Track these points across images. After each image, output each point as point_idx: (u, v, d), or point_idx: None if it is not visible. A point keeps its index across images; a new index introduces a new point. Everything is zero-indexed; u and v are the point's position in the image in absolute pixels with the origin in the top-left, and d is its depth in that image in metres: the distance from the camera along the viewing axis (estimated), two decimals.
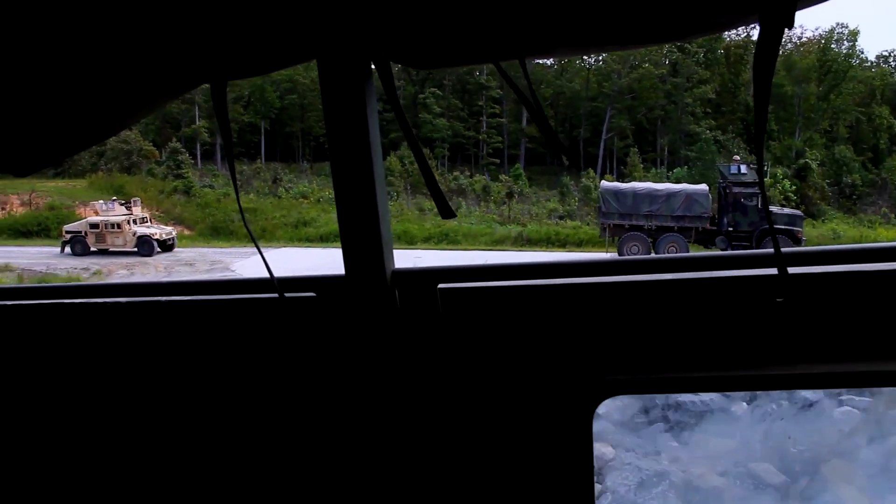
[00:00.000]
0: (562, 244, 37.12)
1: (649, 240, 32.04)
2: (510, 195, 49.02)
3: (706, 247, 31.95)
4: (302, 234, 39.41)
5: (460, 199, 49.73)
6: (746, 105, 61.25)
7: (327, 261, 29.62)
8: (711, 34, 1.46)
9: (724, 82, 61.58)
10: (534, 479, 1.95)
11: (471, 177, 55.50)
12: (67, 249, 36.18)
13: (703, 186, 34.06)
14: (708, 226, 32.23)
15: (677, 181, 49.42)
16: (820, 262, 1.72)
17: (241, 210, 2.11)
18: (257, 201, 45.08)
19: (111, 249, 36.16)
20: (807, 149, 55.53)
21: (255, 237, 2.16)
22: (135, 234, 36.47)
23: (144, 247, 36.11)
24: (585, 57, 66.79)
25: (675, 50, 61.72)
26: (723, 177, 33.44)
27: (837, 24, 65.53)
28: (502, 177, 56.59)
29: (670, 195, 32.70)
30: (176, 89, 1.77)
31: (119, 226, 36.54)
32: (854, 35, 63.52)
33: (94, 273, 30.32)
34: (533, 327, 1.89)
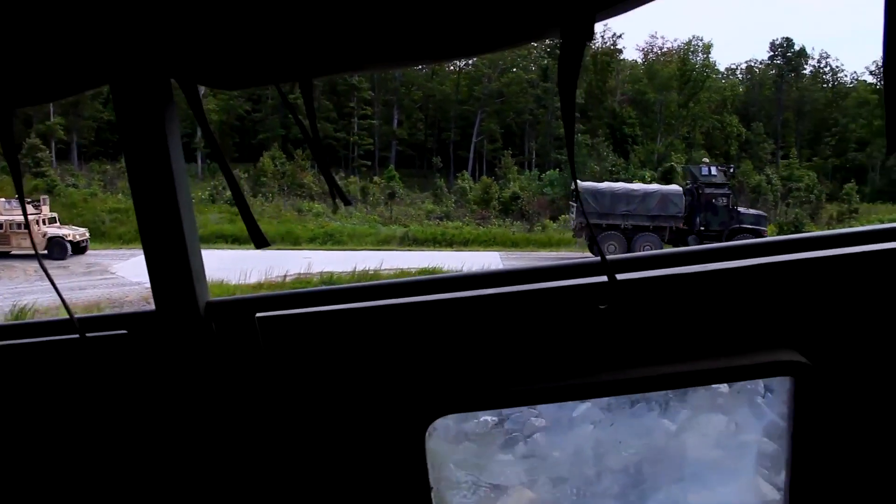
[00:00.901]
0: (448, 244, 37.06)
1: (625, 239, 32.37)
2: (392, 196, 48.67)
3: (678, 246, 32.54)
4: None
5: (337, 200, 48.76)
6: (612, 111, 63.68)
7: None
8: (516, 46, 1.40)
9: (590, 88, 63.45)
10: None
11: (344, 178, 54.61)
12: None
13: (677, 187, 34.85)
14: (681, 225, 32.89)
15: (551, 182, 50.64)
16: (646, 268, 1.78)
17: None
18: (125, 201, 42.11)
19: (14, 252, 32.09)
20: (671, 153, 58.11)
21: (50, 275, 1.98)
22: (45, 235, 32.55)
23: (56, 249, 32.29)
24: (456, 61, 67.85)
25: (545, 55, 63.29)
26: (694, 178, 34.27)
27: (693, 36, 69.34)
28: (376, 178, 56.26)
29: (646, 195, 33.07)
30: None
31: (26, 226, 32.93)
32: (708, 48, 67.38)
33: None
34: (358, 350, 1.87)
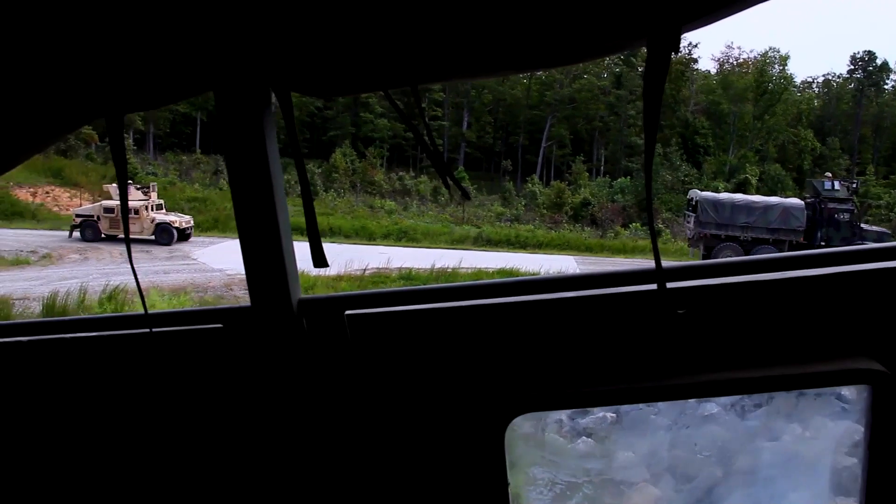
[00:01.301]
0: (521, 246, 37.09)
1: (743, 251, 31.83)
2: (466, 196, 48.64)
3: None
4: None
5: (407, 198, 49.45)
6: (685, 120, 62.93)
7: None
8: (602, 57, 1.45)
9: (664, 98, 62.78)
10: (447, 499, 2.01)
11: (415, 177, 55.15)
12: (76, 234, 33.13)
13: (799, 201, 34.10)
14: (801, 240, 32.23)
15: (622, 190, 50.38)
16: (727, 274, 1.83)
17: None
18: (202, 191, 43.34)
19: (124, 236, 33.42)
20: (746, 165, 57.22)
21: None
22: (153, 221, 33.71)
23: (164, 235, 33.38)
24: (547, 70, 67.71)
25: (620, 62, 62.99)
26: (816, 193, 33.46)
27: (770, 47, 68.09)
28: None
29: (767, 208, 32.61)
30: (70, 124, 1.71)
31: (137, 211, 33.30)
32: (784, 60, 66.08)
33: (44, 256, 28.33)
34: (441, 350, 1.93)
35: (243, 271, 1.95)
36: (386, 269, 27.10)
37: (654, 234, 1.51)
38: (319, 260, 1.74)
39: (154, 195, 34.77)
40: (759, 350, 1.78)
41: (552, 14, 1.29)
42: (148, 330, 2.09)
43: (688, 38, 68.43)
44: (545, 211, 46.66)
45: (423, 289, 2.02)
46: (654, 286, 1.85)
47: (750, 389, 1.78)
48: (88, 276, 23.17)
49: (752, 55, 67.94)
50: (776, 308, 1.77)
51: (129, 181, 37.03)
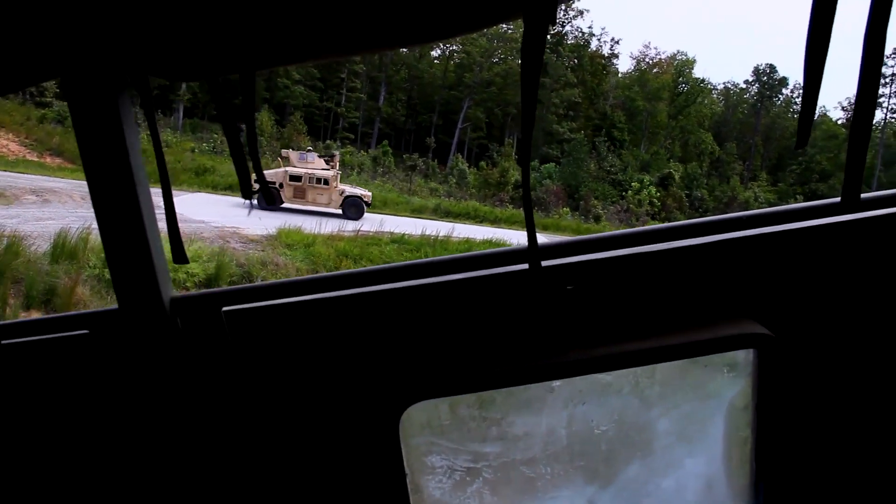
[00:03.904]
0: (480, 220, 37.11)
1: None
2: (413, 168, 48.26)
3: None
4: (208, 181, 35.77)
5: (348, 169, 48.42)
6: (604, 113, 64.72)
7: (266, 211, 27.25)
8: (477, 30, 1.40)
9: (586, 90, 64.38)
10: (344, 494, 1.97)
11: (340, 148, 53.93)
12: (253, 201, 28.84)
13: None
14: None
15: (549, 175, 51.22)
16: (612, 248, 1.82)
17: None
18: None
19: (309, 208, 30.09)
20: (654, 161, 59.56)
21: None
22: (342, 193, 31.02)
23: (352, 210, 30.68)
24: (444, 45, 67.77)
25: (547, 51, 63.73)
26: None
27: (678, 50, 71.08)
28: (370, 151, 55.75)
29: None
30: None
31: (327, 182, 30.77)
32: (691, 63, 69.22)
33: None
34: (327, 341, 1.87)
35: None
36: (380, 232, 26.41)
37: (530, 212, 1.49)
38: (179, 256, 1.70)
39: (336, 163, 32.61)
40: (648, 322, 1.79)
41: None
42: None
43: (611, 33, 70.21)
44: (489, 190, 46.78)
45: (302, 280, 1.90)
46: (544, 263, 1.79)
47: (640, 361, 1.74)
48: (64, 217, 20.93)
49: (664, 56, 70.80)
50: (662, 279, 1.79)
51: (310, 149, 33.86)
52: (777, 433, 1.78)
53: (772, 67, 74.44)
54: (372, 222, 28.01)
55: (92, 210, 1.70)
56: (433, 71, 68.51)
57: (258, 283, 2.01)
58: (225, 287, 1.95)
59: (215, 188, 34.09)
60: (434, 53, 69.19)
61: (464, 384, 1.77)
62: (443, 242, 25.92)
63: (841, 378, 1.82)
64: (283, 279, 1.99)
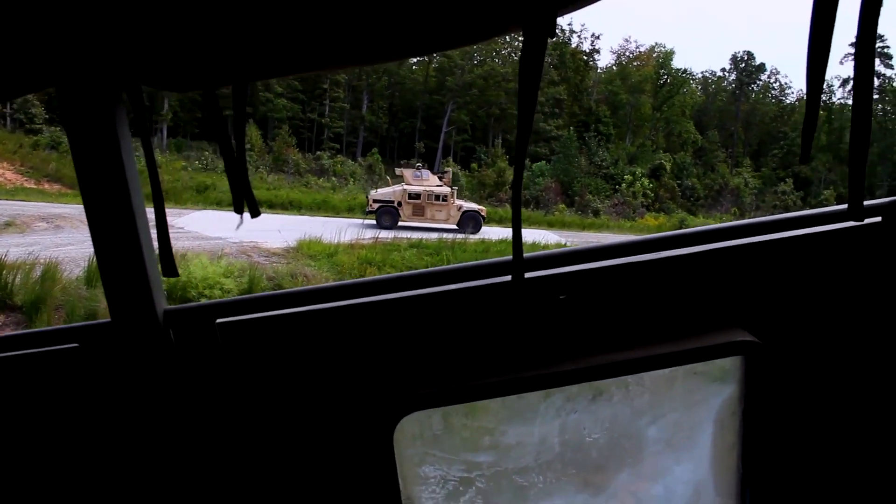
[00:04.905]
0: (486, 220, 37.11)
1: None
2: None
3: None
4: (211, 198, 35.21)
5: (335, 178, 48.24)
6: (589, 108, 64.97)
7: (278, 223, 27.14)
8: (476, 43, 1.40)
9: (570, 86, 64.62)
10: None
11: (332, 157, 53.78)
12: (370, 220, 29.67)
13: None
14: None
15: (542, 173, 51.30)
16: (602, 258, 1.84)
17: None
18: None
19: (426, 224, 30.15)
20: (644, 153, 59.88)
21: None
22: (459, 208, 31.14)
23: (470, 224, 30.68)
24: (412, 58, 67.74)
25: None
26: None
27: (656, 43, 71.56)
28: (360, 160, 55.61)
29: None
30: None
31: (445, 198, 30.79)
32: (670, 55, 69.74)
33: (7, 224, 24.80)
34: (321, 353, 1.89)
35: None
36: (397, 238, 26.19)
37: (518, 223, 1.47)
38: (169, 269, 1.66)
39: (450, 180, 32.48)
40: (637, 331, 1.82)
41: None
42: None
43: (590, 28, 70.57)
44: (484, 190, 46.79)
45: (294, 292, 1.89)
46: (535, 274, 1.82)
47: (630, 370, 1.78)
48: (82, 242, 20.61)
49: (644, 49, 71.29)
50: (651, 289, 1.82)
51: (423, 165, 33.92)
52: (764, 439, 1.82)
53: (749, 54, 75.29)
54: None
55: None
56: (414, 76, 68.38)
57: (251, 294, 1.96)
58: (219, 299, 1.95)
59: (219, 204, 33.81)
60: (412, 59, 69.14)
61: (457, 395, 1.79)
62: (460, 244, 25.84)
63: (828, 385, 1.86)
64: (276, 291, 2.02)
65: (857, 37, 1.15)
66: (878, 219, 1.84)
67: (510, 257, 1.75)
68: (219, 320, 1.85)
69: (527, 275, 1.79)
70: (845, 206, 1.65)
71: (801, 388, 1.85)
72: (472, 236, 27.50)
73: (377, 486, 1.85)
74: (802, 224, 1.83)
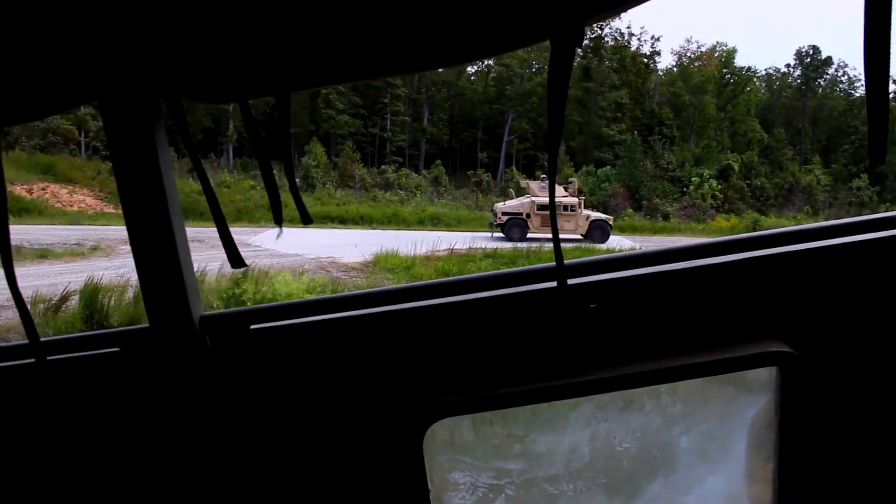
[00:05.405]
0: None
1: None
2: (478, 184, 48.54)
3: None
4: (285, 216, 35.64)
5: (402, 192, 48.80)
6: (651, 112, 64.39)
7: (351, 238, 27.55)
8: (505, 52, 1.39)
9: (631, 90, 64.18)
10: None
11: (396, 171, 54.38)
12: (498, 234, 30.71)
13: None
14: None
15: (607, 178, 51.02)
16: (636, 266, 1.85)
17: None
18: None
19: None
20: (705, 155, 59.07)
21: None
22: (588, 218, 31.74)
23: (598, 233, 31.36)
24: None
25: (588, 54, 63.79)
26: None
27: (717, 42, 70.55)
28: (424, 172, 56.13)
29: None
30: None
31: (573, 209, 31.38)
32: (732, 53, 68.66)
33: (93, 248, 25.82)
34: (352, 359, 1.87)
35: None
36: (473, 249, 26.50)
37: (556, 231, 1.50)
38: (236, 261, 1.71)
39: (576, 190, 32.98)
40: (672, 340, 1.80)
41: (455, 11, 1.28)
42: (34, 360, 1.93)
43: (650, 31, 69.97)
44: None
45: (329, 298, 1.94)
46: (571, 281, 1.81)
47: (663, 379, 1.77)
48: None
49: (704, 49, 70.37)
50: (686, 297, 1.80)
51: (545, 177, 35.04)
52: (800, 453, 1.79)
53: (815, 49, 73.62)
54: (450, 239, 28.14)
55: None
56: (473, 87, 68.76)
57: (286, 301, 1.98)
58: (254, 306, 2.00)
59: (292, 222, 34.39)
60: (470, 69, 69.52)
61: (487, 402, 1.80)
62: (535, 253, 25.94)
63: (866, 398, 1.82)
64: (311, 297, 1.99)
65: (864, 34, 1.14)
66: None
67: (546, 265, 1.87)
68: (253, 326, 1.90)
69: (552, 284, 1.83)
70: (892, 213, 1.74)
71: (840, 402, 1.82)
72: (599, 244, 27.51)
73: (407, 491, 1.88)
74: (844, 232, 1.82)
